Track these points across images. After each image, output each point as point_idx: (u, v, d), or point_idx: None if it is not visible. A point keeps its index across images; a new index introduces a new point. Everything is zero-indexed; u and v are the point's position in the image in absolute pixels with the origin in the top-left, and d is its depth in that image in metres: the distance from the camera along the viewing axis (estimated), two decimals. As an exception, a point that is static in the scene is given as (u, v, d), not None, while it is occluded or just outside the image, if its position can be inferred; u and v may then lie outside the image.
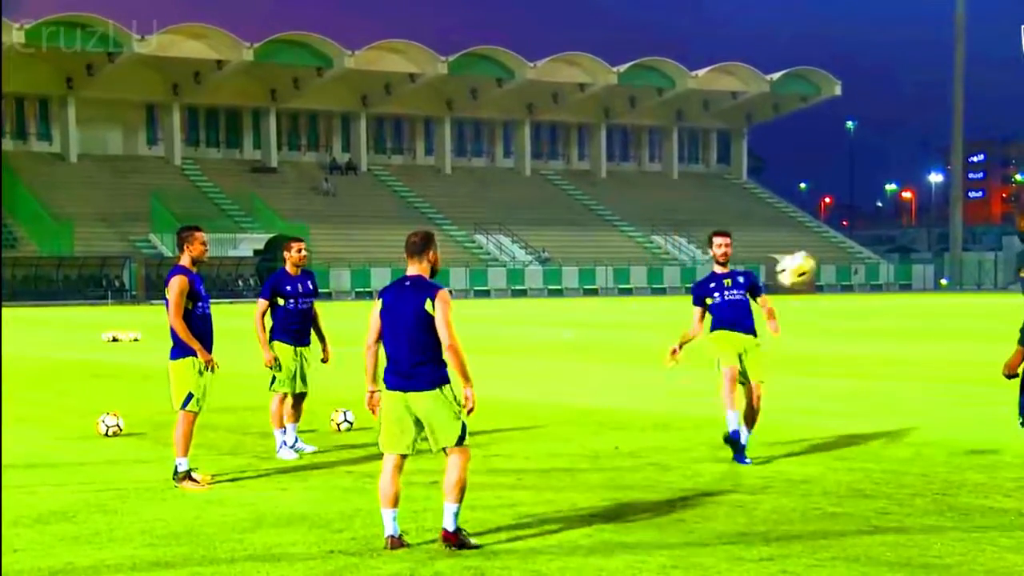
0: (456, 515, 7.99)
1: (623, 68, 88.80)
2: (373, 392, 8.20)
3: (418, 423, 8.04)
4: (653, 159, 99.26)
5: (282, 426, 12.21)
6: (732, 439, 11.70)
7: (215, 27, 77.76)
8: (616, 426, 14.18)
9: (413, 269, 8.17)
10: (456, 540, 7.96)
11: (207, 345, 10.68)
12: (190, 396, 10.60)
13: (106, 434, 13.45)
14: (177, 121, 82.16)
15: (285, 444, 12.13)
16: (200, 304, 10.68)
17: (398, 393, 8.03)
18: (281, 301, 12.23)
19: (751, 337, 11.98)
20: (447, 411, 7.99)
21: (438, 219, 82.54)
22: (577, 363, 23.97)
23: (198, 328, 10.62)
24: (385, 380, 8.10)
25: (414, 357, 8.00)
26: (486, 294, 74.35)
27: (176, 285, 10.51)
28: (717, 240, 12.04)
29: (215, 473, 11.02)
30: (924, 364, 22.60)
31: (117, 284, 66.62)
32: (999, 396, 16.96)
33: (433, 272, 8.20)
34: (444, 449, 8.04)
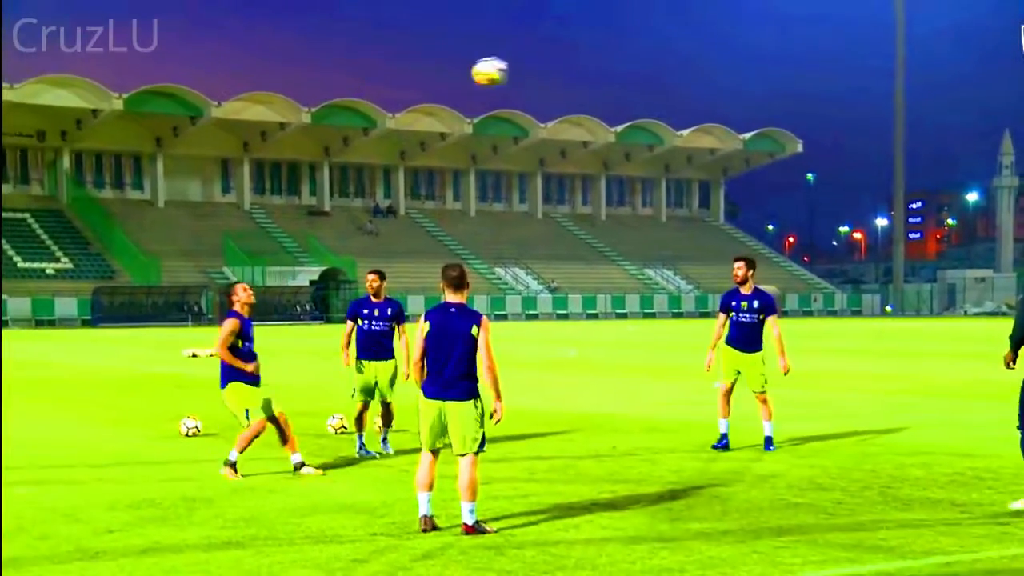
0: (473, 511, 7.98)
1: (620, 128, 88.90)
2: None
3: (444, 429, 8.03)
4: (645, 204, 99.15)
5: (360, 431, 12.11)
6: (719, 446, 11.71)
7: (279, 94, 78.08)
8: (613, 429, 14.15)
9: (454, 297, 8.14)
10: (475, 530, 7.95)
11: (253, 378, 10.64)
12: (247, 412, 10.62)
13: (187, 435, 13.46)
14: (247, 173, 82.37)
15: (363, 447, 12.01)
16: (247, 344, 10.68)
17: (436, 401, 8.03)
18: (360, 323, 12.19)
19: (753, 355, 11.87)
20: (475, 421, 8.01)
21: (464, 254, 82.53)
22: (581, 376, 23.94)
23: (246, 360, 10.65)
24: (424, 389, 8.09)
25: (456, 372, 7.99)
26: (504, 318, 74.25)
27: (227, 326, 10.60)
28: (735, 264, 11.94)
29: (273, 467, 11.03)
30: (872, 378, 22.51)
31: (196, 309, 66.69)
32: (933, 404, 16.90)
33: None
34: (455, 454, 8.04)
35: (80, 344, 40.80)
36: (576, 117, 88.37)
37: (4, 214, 72.28)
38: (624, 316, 77.56)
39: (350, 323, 12.26)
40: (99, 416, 16.18)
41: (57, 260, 69.36)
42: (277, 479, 10.45)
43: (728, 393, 12.02)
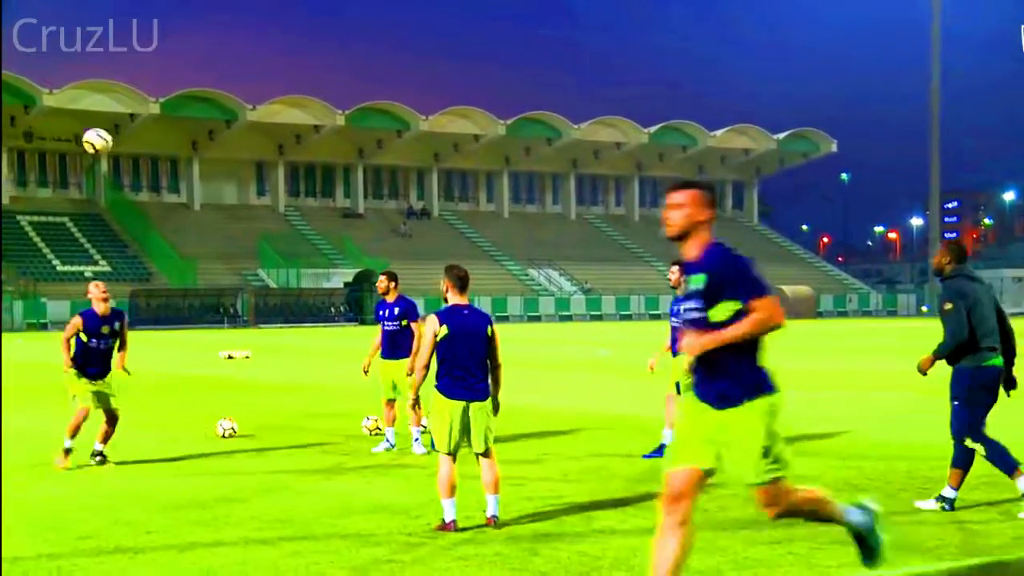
0: (498, 503, 8.16)
1: (653, 129, 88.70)
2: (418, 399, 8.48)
3: (465, 429, 8.08)
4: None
5: (387, 426, 12.39)
6: (657, 454, 11.38)
7: (313, 98, 78.43)
8: (645, 430, 14.11)
9: (461, 299, 8.31)
10: (499, 523, 8.12)
11: (89, 370, 11.59)
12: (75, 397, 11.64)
13: (223, 436, 13.53)
14: (281, 175, 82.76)
15: (388, 441, 12.29)
16: (92, 340, 11.63)
17: (461, 402, 8.07)
18: (382, 324, 12.42)
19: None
20: (492, 419, 8.17)
21: (498, 256, 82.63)
22: (613, 377, 23.92)
23: (86, 357, 11.59)
24: (444, 391, 8.11)
25: (479, 372, 8.10)
26: (537, 319, 74.25)
27: (71, 322, 11.87)
28: (671, 267, 11.77)
29: (309, 468, 11.07)
30: (909, 378, 22.32)
31: (232, 311, 67.05)
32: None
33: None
34: (477, 452, 8.14)
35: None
36: (609, 118, 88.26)
37: (44, 218, 73.00)
38: (657, 317, 77.31)
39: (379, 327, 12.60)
40: (136, 418, 16.28)
41: (95, 263, 69.94)
42: (312, 480, 10.50)
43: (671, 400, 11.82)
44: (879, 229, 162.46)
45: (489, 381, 8.19)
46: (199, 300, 66.96)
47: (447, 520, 8.07)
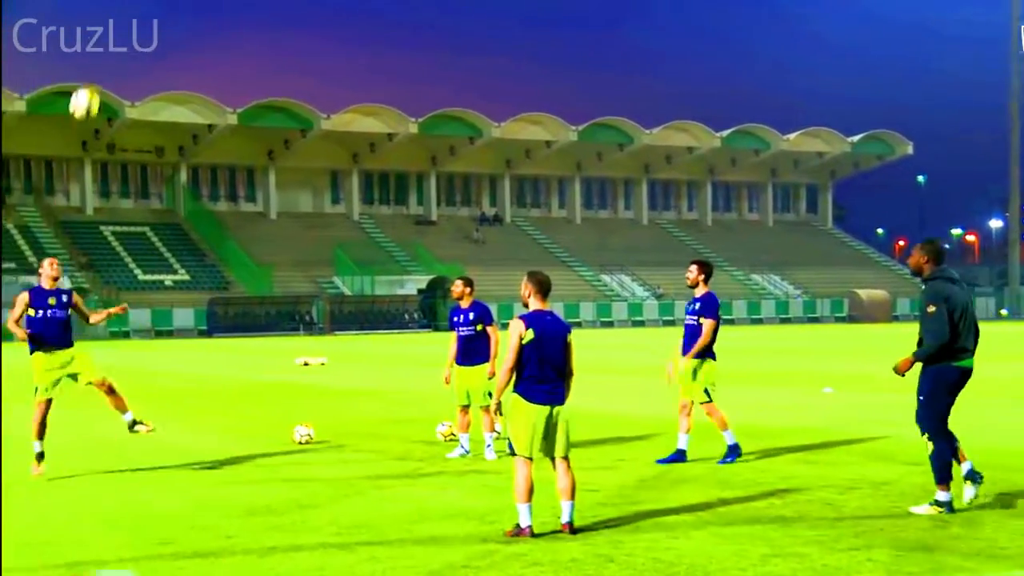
0: (573, 509, 8.11)
1: (726, 133, 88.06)
2: (499, 404, 8.40)
3: (547, 433, 8.08)
4: (751, 210, 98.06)
5: (462, 432, 12.40)
6: (674, 459, 11.38)
7: (386, 106, 79.00)
8: (720, 437, 13.95)
9: (543, 304, 8.28)
10: (574, 528, 8.08)
11: (49, 344, 11.30)
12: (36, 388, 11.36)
13: (300, 442, 13.62)
14: (356, 184, 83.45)
15: (462, 447, 12.32)
16: (40, 313, 11.28)
17: (546, 407, 8.09)
18: (457, 331, 12.41)
19: (686, 359, 11.52)
20: (570, 424, 8.23)
21: (570, 261, 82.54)
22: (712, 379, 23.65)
23: (38, 328, 11.24)
24: (528, 396, 8.10)
25: (560, 377, 8.15)
26: (610, 324, 74.04)
27: (18, 299, 11.41)
28: (688, 267, 11.63)
29: (384, 474, 11.12)
30: (988, 382, 21.91)
31: (308, 318, 67.71)
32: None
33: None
34: (557, 457, 8.13)
35: (196, 354, 41.73)
36: (681, 123, 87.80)
37: (126, 228, 74.34)
38: (731, 322, 76.72)
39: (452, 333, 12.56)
40: (215, 424, 16.51)
41: (175, 272, 71.10)
42: (388, 486, 10.54)
43: (688, 408, 11.62)
44: (956, 231, 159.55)
45: (566, 387, 8.23)
46: (275, 308, 67.71)
47: (523, 525, 8.04)
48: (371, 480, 10.84)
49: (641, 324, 75.06)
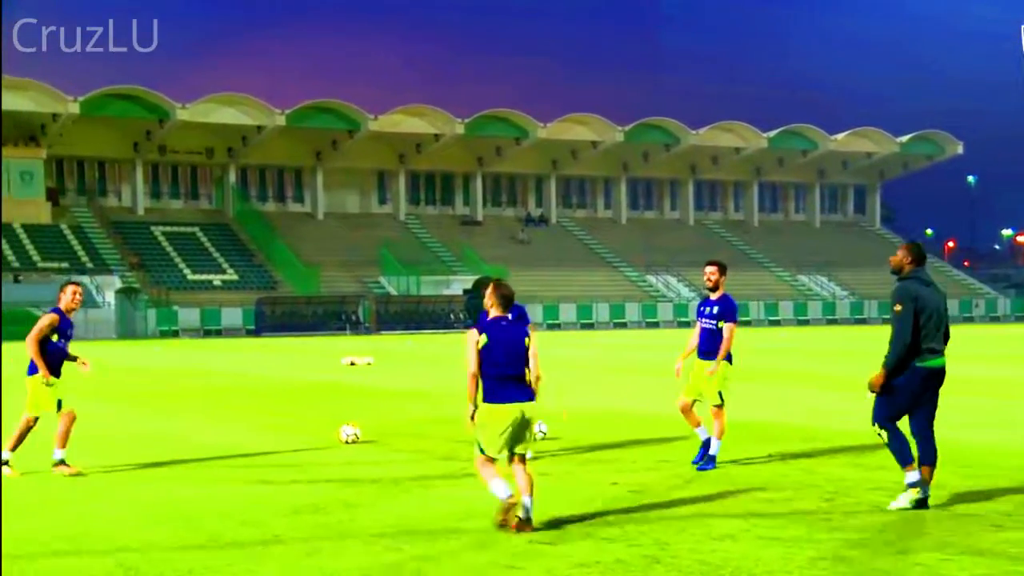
0: (532, 505, 8.25)
1: (772, 133, 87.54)
2: (476, 410, 8.44)
3: (516, 434, 8.33)
4: (798, 210, 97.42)
5: None
6: (700, 460, 11.22)
7: (433, 107, 79.23)
8: (766, 438, 13.87)
9: (500, 312, 8.66)
10: (531, 526, 8.19)
11: (56, 372, 11.25)
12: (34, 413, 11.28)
13: (346, 441, 13.65)
14: (402, 184, 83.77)
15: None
16: (60, 340, 11.25)
17: (516, 404, 8.31)
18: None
19: (707, 363, 11.35)
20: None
21: (615, 262, 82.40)
22: (733, 383, 23.52)
23: (53, 357, 11.21)
24: (498, 396, 8.32)
25: (520, 379, 8.41)
26: (655, 325, 73.81)
27: (44, 319, 11.26)
28: (706, 269, 11.49)
29: (431, 474, 11.13)
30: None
31: (354, 318, 68.05)
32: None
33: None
34: (516, 454, 8.36)
35: (244, 353, 42.04)
36: (728, 123, 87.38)
37: (175, 228, 75.10)
38: (777, 323, 76.26)
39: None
40: (261, 423, 16.61)
41: (223, 272, 71.72)
42: (434, 485, 10.56)
43: (686, 409, 11.46)
44: (1007, 232, 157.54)
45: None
46: (322, 307, 68.09)
47: (503, 496, 8.20)
48: (417, 480, 10.86)
49: (687, 325, 74.59)
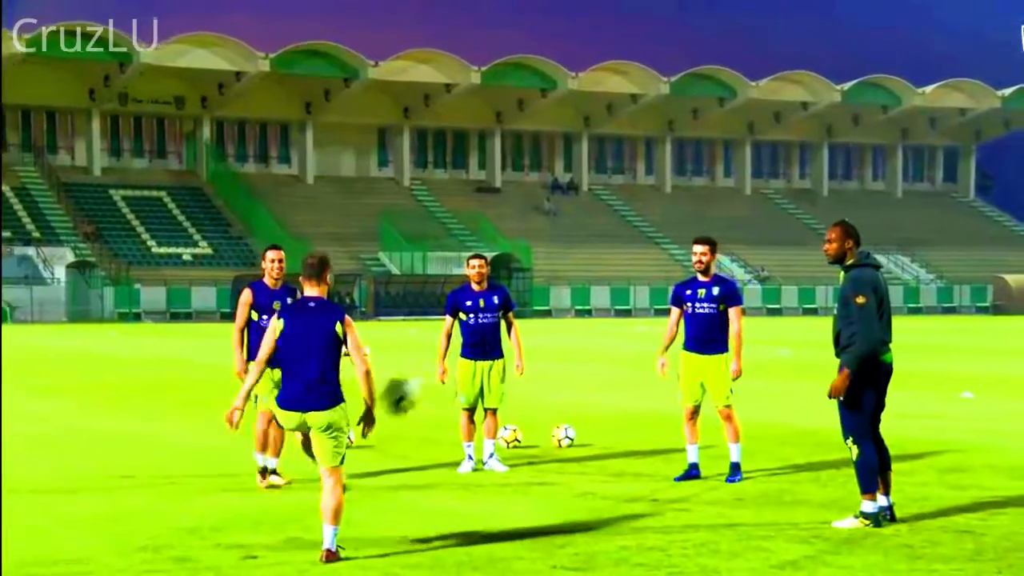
0: (336, 533, 8.19)
1: (847, 86, 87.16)
2: (243, 409, 8.52)
3: (305, 444, 8.53)
4: (876, 178, 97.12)
5: (469, 440, 12.25)
6: (689, 475, 11.35)
7: (444, 52, 79.09)
8: (836, 446, 13.81)
9: (312, 291, 8.41)
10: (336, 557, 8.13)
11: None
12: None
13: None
14: (407, 143, 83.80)
15: (470, 458, 12.18)
16: (264, 317, 10.93)
17: (296, 413, 8.34)
18: (463, 317, 12.25)
19: (716, 356, 11.40)
20: (340, 432, 8.43)
21: (657, 237, 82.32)
22: (794, 382, 23.55)
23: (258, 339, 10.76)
24: (279, 399, 8.42)
25: (316, 375, 8.30)
26: (706, 312, 73.68)
27: (242, 298, 11.32)
28: (696, 248, 11.53)
29: (438, 482, 11.14)
30: None
31: (348, 301, 68.16)
32: None
33: (329, 294, 8.48)
34: (323, 469, 8.36)
35: (218, 340, 42.11)
36: (793, 73, 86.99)
37: (139, 192, 75.31)
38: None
39: (450, 320, 12.36)
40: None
41: (195, 244, 71.97)
42: (443, 498, 10.59)
43: (694, 413, 11.54)
44: None
45: (336, 387, 8.42)
46: (311, 288, 67.98)
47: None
48: (422, 490, 10.92)
49: (742, 312, 74.51)
